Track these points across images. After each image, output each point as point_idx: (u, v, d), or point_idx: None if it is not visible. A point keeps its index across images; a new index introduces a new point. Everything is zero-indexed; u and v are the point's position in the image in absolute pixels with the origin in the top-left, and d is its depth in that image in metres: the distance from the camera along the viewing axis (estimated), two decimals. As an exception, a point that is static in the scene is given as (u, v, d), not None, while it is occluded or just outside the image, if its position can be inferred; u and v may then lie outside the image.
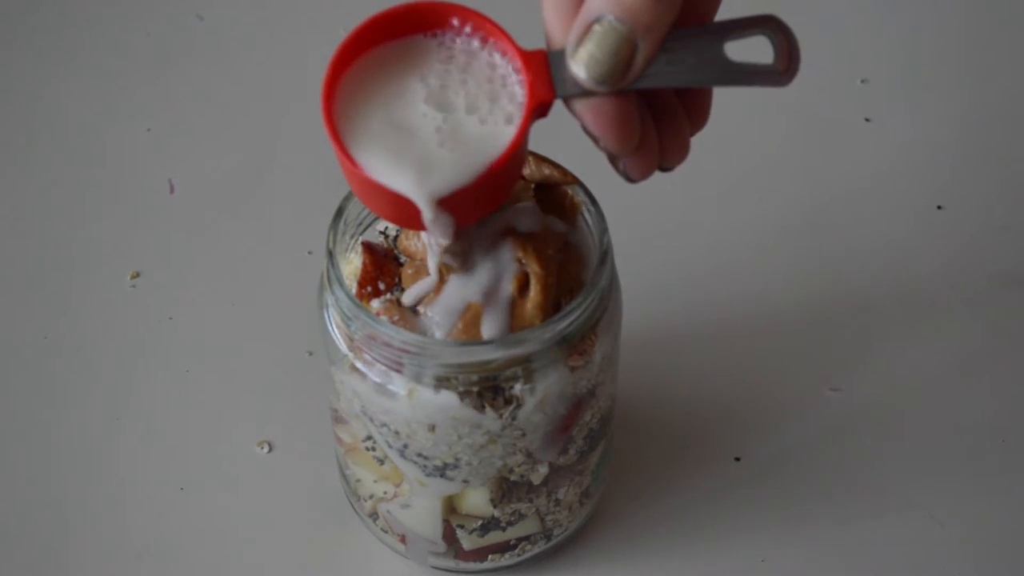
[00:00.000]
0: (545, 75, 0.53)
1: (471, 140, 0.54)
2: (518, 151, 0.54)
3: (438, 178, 0.54)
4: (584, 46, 0.51)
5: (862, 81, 0.88)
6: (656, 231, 0.80)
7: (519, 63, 0.54)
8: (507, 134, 0.54)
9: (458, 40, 0.55)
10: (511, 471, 0.61)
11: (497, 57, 0.55)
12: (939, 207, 0.82)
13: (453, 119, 0.54)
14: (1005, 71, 0.89)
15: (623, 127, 0.53)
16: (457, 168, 0.54)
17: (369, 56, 0.55)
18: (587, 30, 0.51)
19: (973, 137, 0.85)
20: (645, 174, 0.55)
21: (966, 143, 0.85)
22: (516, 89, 0.55)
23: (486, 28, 0.55)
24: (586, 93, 0.52)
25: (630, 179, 0.55)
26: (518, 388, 0.58)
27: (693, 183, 0.82)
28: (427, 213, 0.54)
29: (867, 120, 0.86)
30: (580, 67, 0.52)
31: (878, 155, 0.85)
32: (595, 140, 0.53)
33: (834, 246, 0.80)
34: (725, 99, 0.89)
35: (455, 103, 0.55)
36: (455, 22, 0.55)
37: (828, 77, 0.88)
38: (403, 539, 0.66)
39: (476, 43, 0.55)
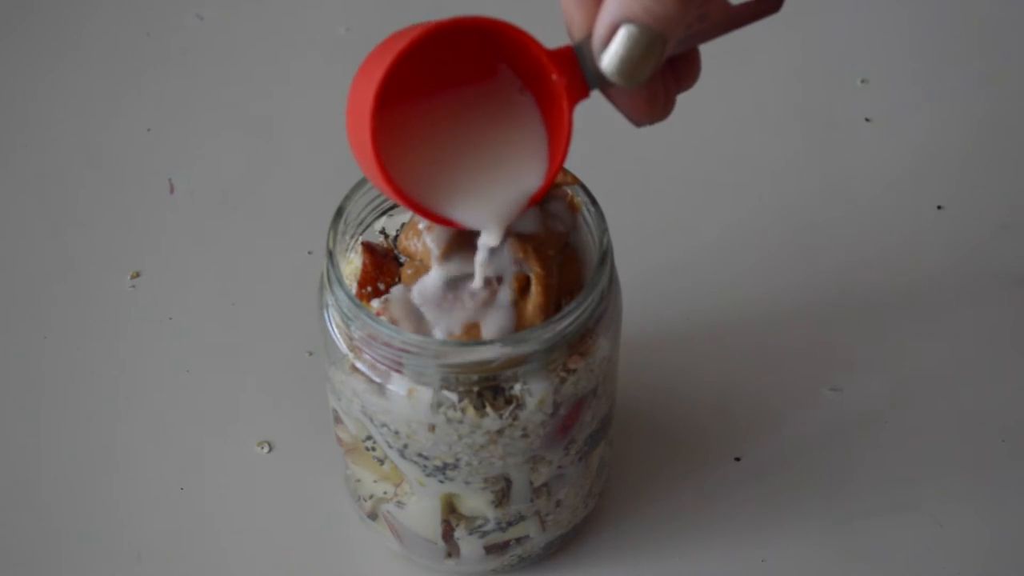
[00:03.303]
0: (577, 73, 0.52)
1: (521, 160, 0.55)
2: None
3: (502, 212, 0.55)
4: (614, 51, 0.51)
5: (862, 81, 0.88)
6: (656, 231, 0.80)
7: (547, 64, 0.53)
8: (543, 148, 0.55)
9: (477, 58, 0.54)
10: (511, 471, 0.61)
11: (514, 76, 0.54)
12: (939, 207, 0.82)
13: (498, 143, 0.55)
14: (1005, 71, 0.89)
15: (653, 102, 0.53)
16: (515, 195, 0.55)
17: (395, 95, 0.53)
18: (613, 32, 0.50)
19: (973, 137, 0.85)
20: (666, 115, 0.55)
21: (966, 143, 0.85)
22: (539, 94, 0.54)
23: (505, 32, 0.53)
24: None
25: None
26: (518, 388, 0.58)
27: (693, 183, 0.82)
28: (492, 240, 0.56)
29: (867, 120, 0.86)
30: (612, 71, 0.51)
31: (878, 155, 0.85)
32: (628, 117, 0.54)
33: (834, 246, 0.80)
34: (725, 99, 0.89)
35: (496, 125, 0.55)
36: (471, 38, 0.53)
37: (828, 77, 0.88)
38: (401, 539, 0.66)
39: (499, 65, 0.54)
